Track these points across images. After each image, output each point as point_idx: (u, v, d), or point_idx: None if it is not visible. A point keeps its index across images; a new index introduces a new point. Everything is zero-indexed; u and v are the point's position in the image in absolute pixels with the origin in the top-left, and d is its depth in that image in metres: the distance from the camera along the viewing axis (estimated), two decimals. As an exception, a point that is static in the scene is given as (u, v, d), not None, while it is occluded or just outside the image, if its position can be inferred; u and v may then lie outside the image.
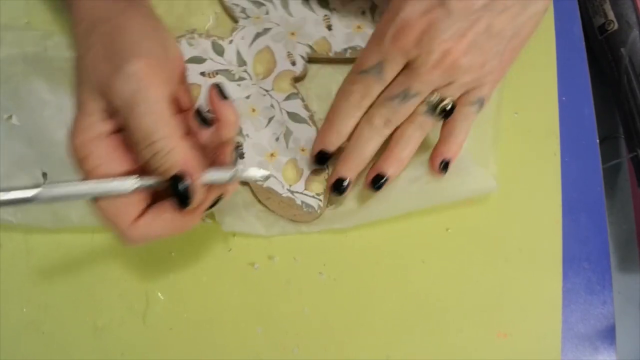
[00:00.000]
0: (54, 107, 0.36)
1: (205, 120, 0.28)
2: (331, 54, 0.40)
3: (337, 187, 0.35)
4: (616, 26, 0.59)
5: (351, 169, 0.35)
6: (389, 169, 0.35)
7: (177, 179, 0.26)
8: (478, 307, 0.36)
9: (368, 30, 0.41)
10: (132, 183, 0.26)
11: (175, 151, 0.26)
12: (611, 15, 0.60)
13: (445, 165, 0.36)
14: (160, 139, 0.26)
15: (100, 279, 0.36)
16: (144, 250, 0.37)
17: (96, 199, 0.26)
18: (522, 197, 0.39)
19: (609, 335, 0.37)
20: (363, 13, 0.41)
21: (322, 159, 0.36)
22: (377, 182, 0.35)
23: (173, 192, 0.26)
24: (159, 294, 0.36)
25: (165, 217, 0.28)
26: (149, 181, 0.27)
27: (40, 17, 0.41)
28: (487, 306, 0.36)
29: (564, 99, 0.42)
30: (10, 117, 0.36)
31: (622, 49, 0.58)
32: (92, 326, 0.35)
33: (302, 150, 0.38)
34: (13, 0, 0.42)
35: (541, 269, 0.37)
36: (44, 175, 0.36)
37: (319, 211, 0.37)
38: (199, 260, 0.37)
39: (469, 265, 0.37)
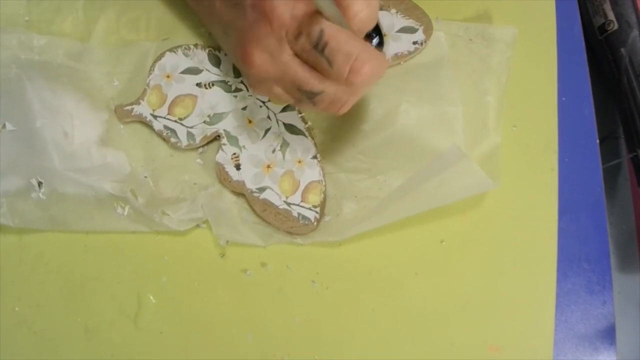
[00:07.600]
0: (48, 112, 0.36)
1: None
2: None
3: None
4: (616, 26, 0.58)
5: None
6: None
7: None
8: (470, 320, 0.36)
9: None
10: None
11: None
12: (611, 15, 0.59)
13: None
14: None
15: (92, 280, 0.36)
16: (136, 253, 0.37)
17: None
18: (518, 211, 0.39)
19: (609, 335, 0.37)
20: None
21: None
22: None
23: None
24: (151, 297, 0.36)
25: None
26: None
27: (41, 15, 0.41)
28: (480, 320, 0.36)
29: (564, 99, 0.42)
30: (4, 126, 0.36)
31: (622, 49, 0.57)
32: (83, 327, 0.35)
33: (299, 162, 0.38)
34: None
35: (535, 284, 0.37)
36: (40, 184, 0.36)
37: (315, 223, 0.36)
38: (192, 265, 0.37)
39: (463, 278, 0.37)
